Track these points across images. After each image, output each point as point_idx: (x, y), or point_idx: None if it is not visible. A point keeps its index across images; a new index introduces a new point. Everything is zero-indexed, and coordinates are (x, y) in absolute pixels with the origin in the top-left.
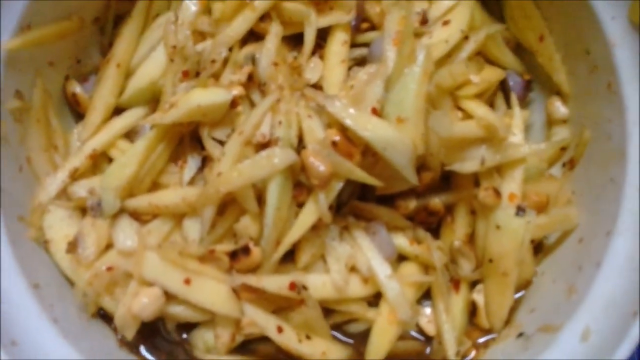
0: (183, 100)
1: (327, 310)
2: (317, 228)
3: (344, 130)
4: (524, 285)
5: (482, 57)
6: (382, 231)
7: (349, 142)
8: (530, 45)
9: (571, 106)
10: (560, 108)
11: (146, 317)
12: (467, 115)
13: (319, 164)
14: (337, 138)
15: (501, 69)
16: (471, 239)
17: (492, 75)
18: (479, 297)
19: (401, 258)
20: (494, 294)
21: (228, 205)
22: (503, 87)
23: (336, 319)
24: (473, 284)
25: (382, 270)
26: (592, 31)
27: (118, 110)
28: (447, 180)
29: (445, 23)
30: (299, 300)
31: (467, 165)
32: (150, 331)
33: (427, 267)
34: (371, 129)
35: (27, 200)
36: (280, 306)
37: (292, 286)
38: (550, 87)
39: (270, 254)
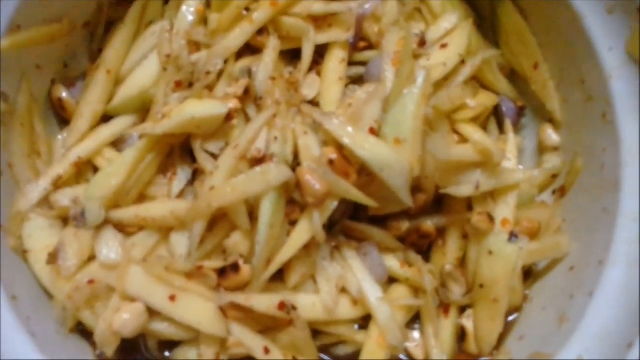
0: (177, 111)
1: (315, 331)
2: (308, 247)
3: (340, 148)
4: (513, 310)
5: (477, 82)
6: (374, 252)
7: (346, 161)
8: (524, 72)
9: (563, 134)
10: (552, 135)
11: (127, 334)
12: (462, 139)
13: (314, 182)
14: (333, 156)
15: (495, 94)
16: (462, 263)
17: (486, 100)
18: (468, 322)
19: (391, 280)
20: (484, 319)
21: (218, 221)
22: (495, 112)
23: (324, 340)
24: (462, 309)
25: (372, 292)
26: (588, 61)
27: (105, 118)
28: (439, 203)
29: (443, 46)
30: (287, 321)
31: (462, 189)
32: (131, 348)
33: (417, 290)
34: (369, 148)
35: (6, 207)
36: (267, 326)
37: (282, 306)
38: (543, 115)
39: (261, 273)
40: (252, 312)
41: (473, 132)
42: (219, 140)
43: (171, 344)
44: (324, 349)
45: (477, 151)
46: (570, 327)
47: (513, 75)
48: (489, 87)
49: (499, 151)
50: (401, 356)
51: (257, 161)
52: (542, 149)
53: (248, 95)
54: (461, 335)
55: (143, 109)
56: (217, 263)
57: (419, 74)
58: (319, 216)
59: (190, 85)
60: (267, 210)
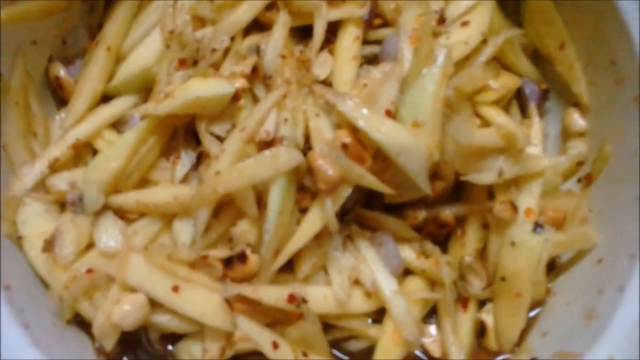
0: (180, 91)
1: (326, 325)
2: (319, 236)
3: (354, 131)
4: (536, 304)
5: (498, 62)
6: (389, 242)
7: (360, 145)
8: (549, 53)
9: (590, 119)
10: (578, 120)
11: (127, 327)
12: (484, 123)
13: (327, 168)
14: (347, 140)
15: (517, 76)
16: (482, 254)
17: (509, 81)
18: (488, 317)
19: (406, 272)
20: (505, 314)
21: (224, 207)
22: (518, 95)
23: (335, 335)
24: (481, 303)
25: (387, 285)
26: (620, 41)
27: (105, 98)
28: (458, 191)
29: (464, 24)
30: (297, 314)
31: (484, 176)
32: (132, 340)
33: (433, 283)
34: (385, 132)
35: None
36: (275, 319)
37: (291, 298)
38: (568, 98)
39: (269, 263)
40: (260, 304)
41: (496, 115)
42: (225, 122)
43: (174, 337)
44: (335, 344)
45: (501, 136)
46: (600, 324)
47: (536, 56)
48: (511, 69)
49: (524, 136)
50: (417, 352)
51: (266, 144)
52: (566, 135)
53: (256, 74)
54: (480, 330)
55: (145, 88)
56: (223, 252)
57: (439, 52)
58: (332, 204)
59: (195, 63)
60: (276, 196)
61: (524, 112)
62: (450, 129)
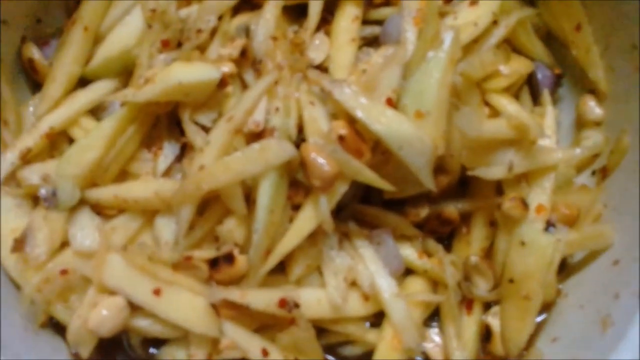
0: (162, 75)
1: (320, 329)
2: (313, 235)
3: (352, 122)
4: (545, 307)
5: (509, 45)
6: (389, 241)
7: (358, 137)
8: (565, 35)
9: (607, 107)
10: (594, 109)
11: (105, 333)
12: (493, 112)
13: (322, 162)
14: (344, 131)
15: (529, 60)
16: (488, 254)
17: (521, 66)
18: (494, 320)
19: (406, 271)
20: (513, 318)
21: (210, 204)
22: (529, 81)
23: (330, 339)
24: (487, 306)
25: (387, 287)
26: None
27: (83, 82)
28: (463, 185)
29: (473, 3)
30: (289, 319)
31: (493, 170)
32: (112, 345)
33: (435, 284)
34: (385, 122)
35: None
36: (265, 323)
37: (283, 303)
38: (583, 84)
39: (259, 265)
40: (248, 309)
41: (507, 104)
42: (211, 111)
43: (157, 341)
44: (329, 349)
45: (512, 127)
46: (617, 331)
47: (549, 39)
48: (523, 52)
49: (537, 127)
50: (418, 358)
51: (255, 136)
52: (581, 124)
53: (245, 58)
54: (486, 335)
55: (125, 72)
56: (208, 253)
57: (446, 35)
58: (327, 201)
59: (179, 45)
60: (266, 193)
61: (536, 100)
62: (458, 120)
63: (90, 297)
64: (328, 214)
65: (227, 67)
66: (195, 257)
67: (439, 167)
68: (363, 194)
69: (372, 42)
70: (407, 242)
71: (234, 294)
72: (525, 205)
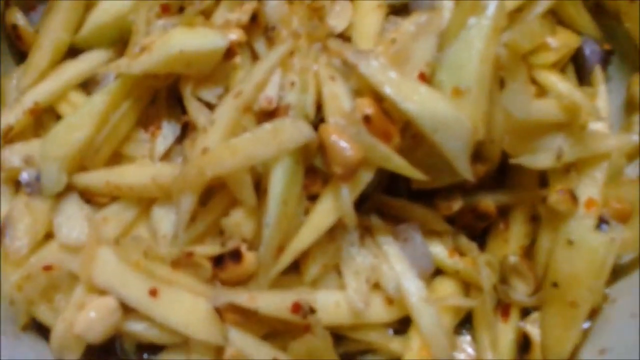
0: (160, 44)
1: (338, 336)
2: (332, 230)
3: (379, 100)
4: (590, 314)
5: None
6: (417, 237)
7: (386, 117)
8: (615, 6)
9: None
10: None
11: (94, 339)
12: (538, 91)
13: (344, 146)
14: (370, 111)
15: (576, 34)
16: (528, 253)
17: (568, 40)
18: (533, 328)
19: (434, 272)
20: (556, 326)
21: (214, 192)
22: (574, 57)
23: (349, 348)
24: (525, 311)
25: (415, 290)
26: None
27: (73, 52)
28: (500, 175)
29: None
30: (303, 326)
31: (540, 158)
32: (103, 349)
33: (467, 286)
34: (418, 101)
35: None
36: (275, 329)
37: (296, 308)
38: (635, 62)
39: (270, 264)
40: (257, 314)
41: (557, 82)
42: (217, 85)
43: (154, 346)
44: (348, 358)
45: (563, 108)
46: None
47: (598, 11)
48: (569, 25)
49: (592, 109)
50: None
51: (267, 115)
52: (631, 107)
53: (256, 24)
54: (524, 344)
55: (120, 40)
56: (212, 249)
57: (490, 0)
58: (349, 192)
59: (181, 10)
60: (279, 181)
61: (582, 79)
62: (505, 100)
63: (77, 297)
64: (350, 207)
65: (235, 35)
66: (197, 253)
67: (476, 154)
68: (387, 183)
69: (400, 11)
70: (436, 239)
71: (242, 297)
72: (574, 198)
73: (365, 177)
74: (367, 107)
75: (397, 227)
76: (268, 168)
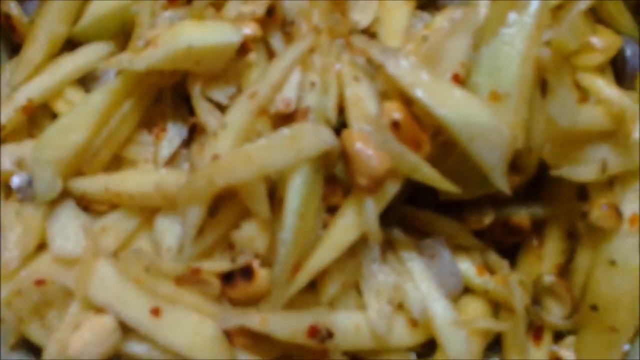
0: (166, 37)
1: (356, 358)
2: (352, 245)
3: (409, 104)
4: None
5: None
6: (445, 254)
7: (417, 123)
8: None
9: None
10: None
11: None
12: (581, 96)
13: (370, 155)
14: (398, 116)
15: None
16: (563, 272)
17: (612, 40)
18: (568, 353)
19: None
20: (593, 352)
21: (224, 202)
22: (612, 60)
23: None
24: (558, 334)
25: (442, 312)
26: None
27: (71, 45)
28: (535, 185)
29: None
30: (319, 350)
31: (583, 170)
32: None
33: (496, 305)
34: (453, 106)
35: None
36: (289, 353)
37: (313, 331)
38: None
39: (284, 283)
40: (270, 337)
41: (603, 87)
42: (229, 85)
43: None
44: None
45: (609, 115)
46: None
47: (638, 10)
48: (608, 24)
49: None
50: None
51: (285, 118)
52: None
53: (273, 18)
54: None
55: (122, 33)
56: (221, 265)
57: None
58: (374, 205)
59: (189, 1)
60: (297, 193)
61: (622, 82)
62: (550, 106)
63: (72, 315)
64: (375, 222)
65: (250, 29)
66: (204, 269)
67: (512, 163)
68: (411, 192)
69: (428, 4)
70: (463, 255)
71: (253, 320)
72: (618, 214)
73: (392, 189)
74: (395, 111)
75: (422, 242)
76: (284, 177)
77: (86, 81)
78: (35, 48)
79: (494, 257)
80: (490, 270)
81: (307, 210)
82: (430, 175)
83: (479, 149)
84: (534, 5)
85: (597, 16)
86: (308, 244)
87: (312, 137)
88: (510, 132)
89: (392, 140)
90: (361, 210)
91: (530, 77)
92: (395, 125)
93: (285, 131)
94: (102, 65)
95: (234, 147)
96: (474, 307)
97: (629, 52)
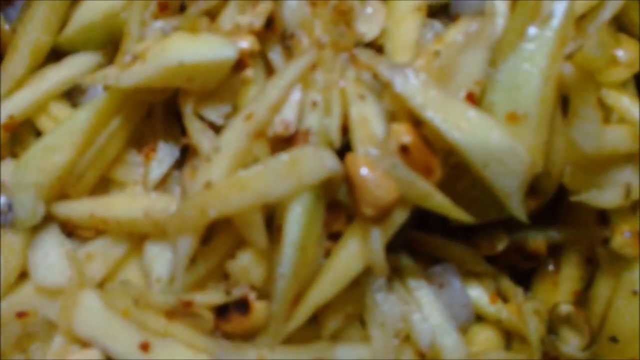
0: (156, 52)
1: None
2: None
3: (419, 126)
4: None
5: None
6: (455, 282)
7: (427, 147)
8: None
9: None
10: None
11: None
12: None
13: (377, 183)
14: (408, 139)
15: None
16: (580, 299)
17: (637, 52)
18: None
19: None
20: None
21: (219, 230)
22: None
23: None
24: None
25: (453, 346)
26: None
27: (56, 55)
28: (550, 209)
29: None
30: None
31: (606, 195)
32: None
33: (509, 334)
34: (467, 128)
35: None
36: None
37: None
38: None
39: (283, 318)
40: None
41: (630, 105)
42: (223, 103)
43: None
44: None
45: (634, 136)
46: None
47: None
48: (631, 34)
49: None
50: None
51: (284, 142)
52: None
53: (272, 31)
54: None
55: (111, 42)
56: (215, 297)
57: (556, 4)
58: (380, 236)
59: (182, 9)
60: (297, 223)
61: None
62: (573, 129)
63: (55, 349)
64: (381, 253)
65: (247, 43)
66: (196, 302)
67: (529, 187)
68: (419, 216)
69: (439, 13)
70: (475, 281)
71: (249, 356)
72: None
73: (400, 218)
74: (405, 134)
75: (431, 270)
76: (283, 205)
77: (72, 94)
78: (17, 59)
79: (507, 284)
80: (503, 297)
81: (308, 241)
82: (442, 204)
83: (495, 175)
84: (557, 18)
85: (619, 25)
86: (308, 276)
87: (314, 162)
88: (529, 157)
89: (401, 166)
90: (366, 239)
91: (551, 96)
92: (404, 150)
93: (284, 156)
94: (86, 81)
95: (228, 173)
96: (486, 337)
97: None
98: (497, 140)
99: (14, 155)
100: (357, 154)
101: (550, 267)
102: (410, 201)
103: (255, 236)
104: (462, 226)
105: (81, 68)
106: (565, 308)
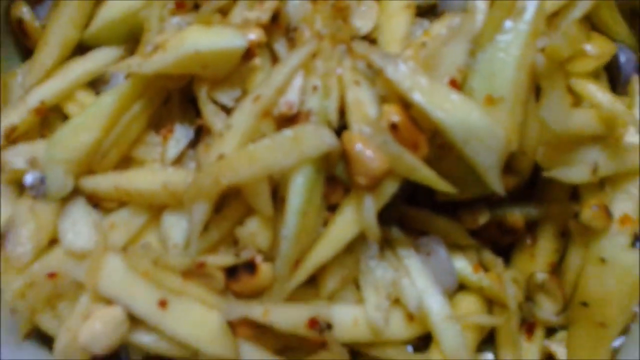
0: (174, 42)
1: (355, 352)
2: (351, 242)
3: (407, 107)
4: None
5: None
6: (441, 251)
7: (414, 126)
8: None
9: None
10: None
11: (99, 350)
12: (574, 101)
13: (370, 156)
14: (397, 119)
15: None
16: (556, 270)
17: (605, 47)
18: (559, 348)
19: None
20: (583, 347)
21: (229, 199)
22: (607, 66)
23: None
24: (550, 330)
25: (438, 308)
26: None
27: (81, 49)
28: (528, 188)
29: None
30: (319, 341)
31: (574, 172)
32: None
33: (490, 302)
34: (450, 109)
35: None
36: (289, 344)
37: (313, 323)
38: None
39: (286, 277)
40: (272, 328)
41: (595, 91)
42: (234, 88)
43: (162, 359)
44: None
45: (601, 119)
46: None
47: (633, 17)
48: (602, 31)
49: (633, 121)
50: None
51: (287, 120)
52: None
53: (277, 24)
54: None
55: (132, 38)
56: (225, 259)
57: (528, 1)
58: (373, 203)
59: (196, 7)
60: (298, 192)
61: (616, 88)
62: (542, 110)
63: (82, 307)
64: (374, 219)
65: (255, 35)
66: (209, 263)
67: (507, 165)
68: (409, 192)
69: (428, 11)
70: (459, 253)
71: (256, 311)
72: (608, 215)
73: (390, 189)
74: (394, 114)
75: (419, 240)
76: (287, 176)
77: (96, 84)
78: (48, 52)
79: (489, 256)
80: (485, 267)
81: (309, 209)
82: (427, 176)
83: (475, 151)
84: (529, 13)
85: (592, 23)
86: (309, 241)
87: (314, 138)
88: (505, 135)
89: (391, 142)
90: (360, 208)
91: (524, 82)
92: (394, 128)
93: (288, 132)
94: (112, 69)
95: (239, 147)
96: (469, 303)
97: (623, 58)
98: (477, 120)
99: (44, 136)
100: (353, 132)
101: (528, 241)
102: (399, 173)
103: (262, 205)
104: (448, 202)
105: (105, 60)
106: (541, 276)
